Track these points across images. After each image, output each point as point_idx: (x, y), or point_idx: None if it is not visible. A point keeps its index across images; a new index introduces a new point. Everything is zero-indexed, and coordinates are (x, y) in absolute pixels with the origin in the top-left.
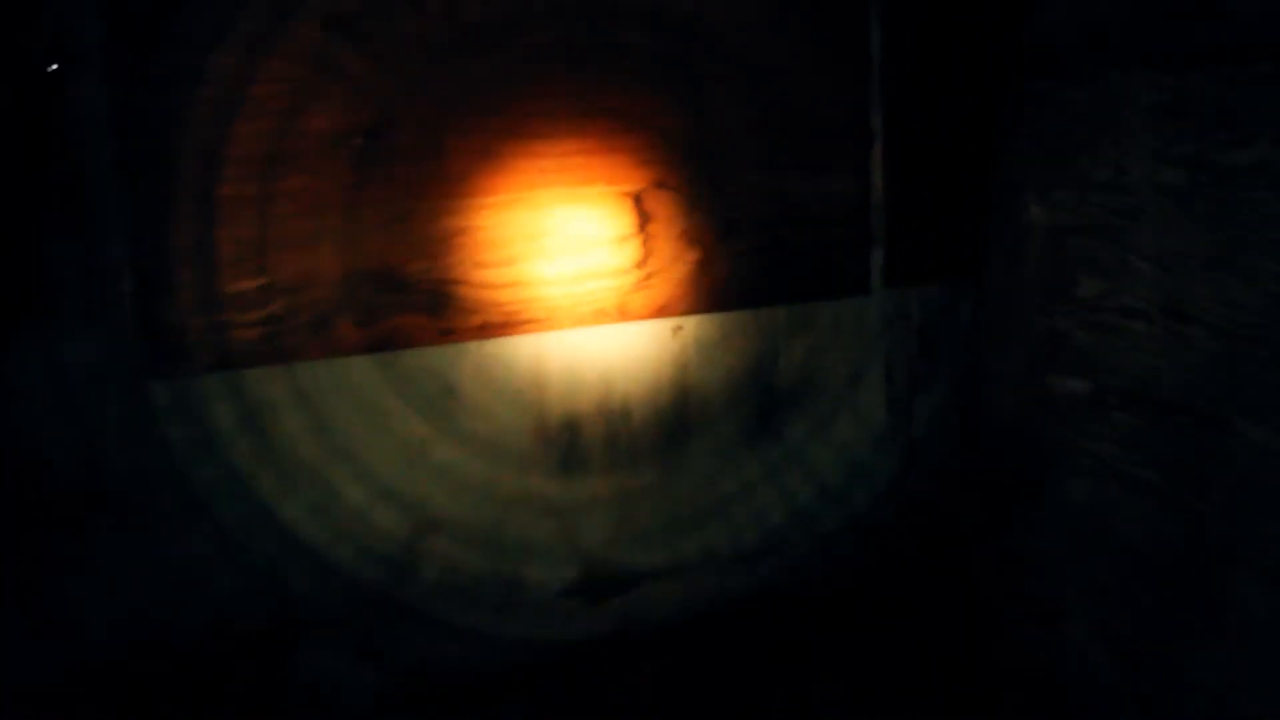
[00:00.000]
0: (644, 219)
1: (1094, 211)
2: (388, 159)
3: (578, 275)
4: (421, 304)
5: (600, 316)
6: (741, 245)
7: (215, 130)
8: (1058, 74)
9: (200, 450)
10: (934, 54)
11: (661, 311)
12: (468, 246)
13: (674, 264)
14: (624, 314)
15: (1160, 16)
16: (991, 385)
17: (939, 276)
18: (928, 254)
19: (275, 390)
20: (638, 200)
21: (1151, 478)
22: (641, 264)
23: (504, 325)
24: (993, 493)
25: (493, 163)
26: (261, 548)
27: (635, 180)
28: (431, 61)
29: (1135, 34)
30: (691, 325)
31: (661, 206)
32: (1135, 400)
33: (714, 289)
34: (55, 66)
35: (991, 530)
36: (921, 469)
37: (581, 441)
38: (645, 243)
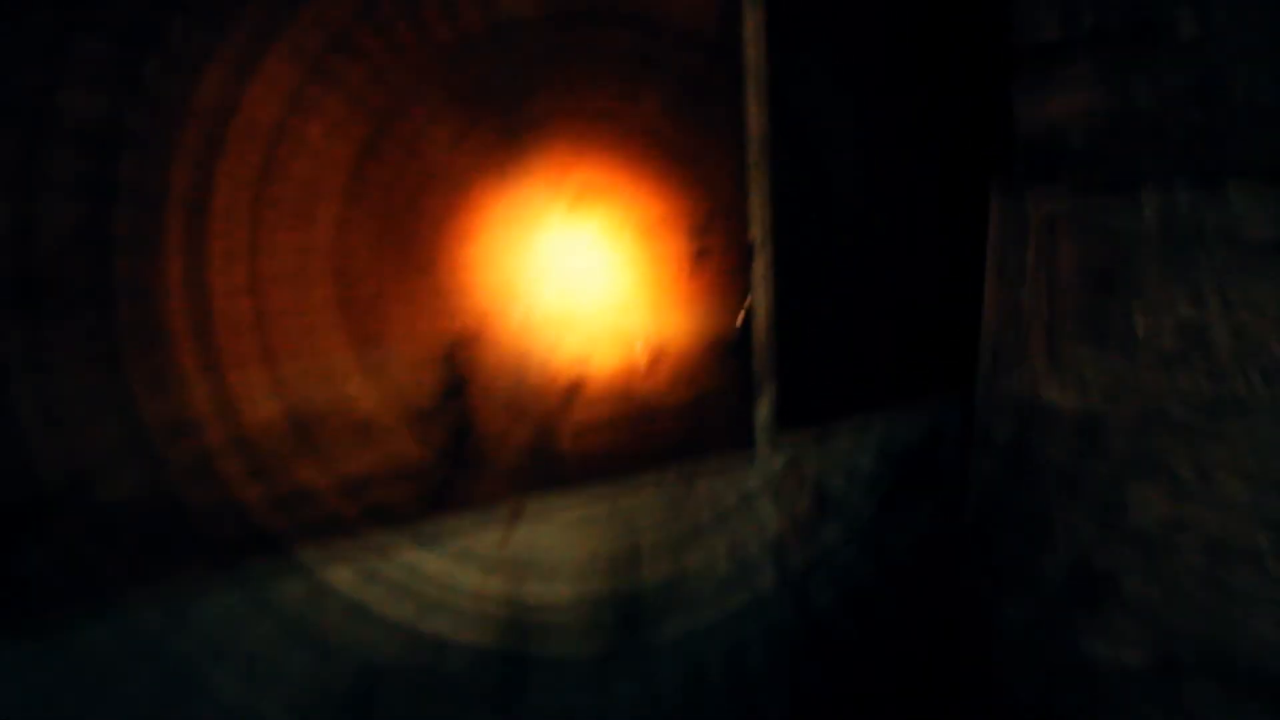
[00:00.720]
0: (456, 384)
1: (1154, 396)
2: (57, 323)
3: (361, 475)
4: (131, 536)
5: (399, 524)
6: (590, 410)
7: None
8: (1077, 183)
9: None
10: (848, 138)
11: (484, 508)
12: (197, 444)
13: (500, 445)
14: (432, 516)
15: (1263, 107)
16: (989, 635)
17: (853, 411)
18: (836, 386)
19: None
20: (448, 359)
21: None
22: (453, 449)
23: (257, 550)
24: None
25: (225, 320)
26: None
27: (443, 330)
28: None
29: (1217, 131)
30: (525, 520)
31: (481, 366)
32: (1236, 683)
33: (554, 470)
34: None
35: None
36: (837, 678)
37: (380, 696)
38: (458, 417)
